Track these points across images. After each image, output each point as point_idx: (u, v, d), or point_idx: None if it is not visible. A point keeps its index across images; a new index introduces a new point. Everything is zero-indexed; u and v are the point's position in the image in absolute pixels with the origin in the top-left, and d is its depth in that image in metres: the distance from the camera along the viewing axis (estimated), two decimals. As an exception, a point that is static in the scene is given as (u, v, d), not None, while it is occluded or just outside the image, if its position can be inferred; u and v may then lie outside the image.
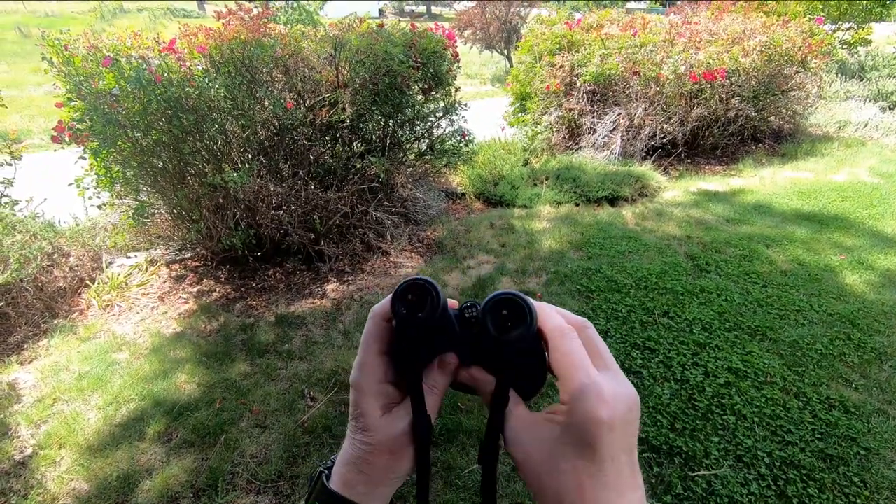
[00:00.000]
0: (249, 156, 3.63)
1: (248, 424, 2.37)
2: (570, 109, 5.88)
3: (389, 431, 0.40)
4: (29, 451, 2.29)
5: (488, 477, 0.42)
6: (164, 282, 3.68)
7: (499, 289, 3.40)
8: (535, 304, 0.37)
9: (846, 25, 9.91)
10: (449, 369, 0.42)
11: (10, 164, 3.37)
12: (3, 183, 3.38)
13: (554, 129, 6.06)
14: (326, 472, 0.43)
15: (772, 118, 6.75)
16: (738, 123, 6.16)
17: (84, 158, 3.06)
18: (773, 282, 3.48)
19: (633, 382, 2.20)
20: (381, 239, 4.03)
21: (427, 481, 0.42)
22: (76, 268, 3.69)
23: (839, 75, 8.48)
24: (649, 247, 3.96)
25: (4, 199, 3.42)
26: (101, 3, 21.04)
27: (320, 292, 3.49)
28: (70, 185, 3.07)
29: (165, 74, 2.96)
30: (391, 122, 4.09)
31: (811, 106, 7.05)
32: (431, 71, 4.03)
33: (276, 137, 3.60)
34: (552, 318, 0.38)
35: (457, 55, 4.17)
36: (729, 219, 4.52)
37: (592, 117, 5.89)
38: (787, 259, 3.80)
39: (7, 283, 3.16)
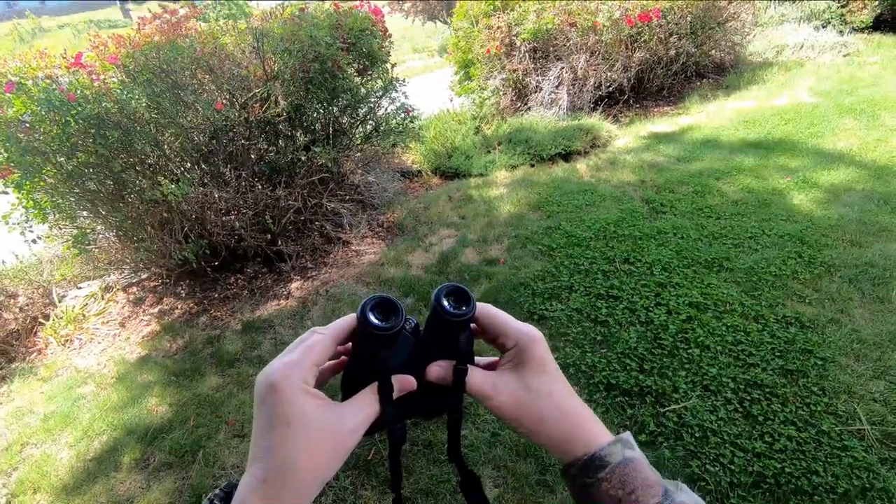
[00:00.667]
0: (188, 164, 3.50)
1: (225, 436, 2.34)
2: (514, 70, 5.82)
3: (336, 425, 0.39)
4: (2, 502, 2.23)
5: (454, 437, 0.50)
6: (123, 307, 3.57)
7: (462, 261, 3.37)
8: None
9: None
10: (406, 387, 0.45)
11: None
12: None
13: (500, 93, 6.01)
14: (223, 496, 0.38)
15: (712, 52, 6.81)
16: (680, 62, 6.20)
17: (6, 193, 2.89)
18: (726, 213, 3.57)
19: (600, 331, 2.25)
20: (339, 229, 3.97)
21: (400, 474, 0.50)
22: (27, 307, 3.54)
23: (772, 0, 8.57)
24: (605, 197, 4.00)
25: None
26: (17, 25, 19.71)
27: (285, 292, 3.44)
28: (-3, 223, 2.92)
29: (79, 92, 2.80)
30: (332, 109, 3.98)
31: (748, 34, 7.13)
32: (364, 50, 3.91)
33: (212, 141, 3.47)
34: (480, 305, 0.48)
35: (386, 31, 4.05)
36: (680, 158, 4.59)
37: (537, 75, 5.84)
38: (737, 189, 3.89)
39: (-48, 334, 3.02)
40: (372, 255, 3.75)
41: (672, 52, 6.05)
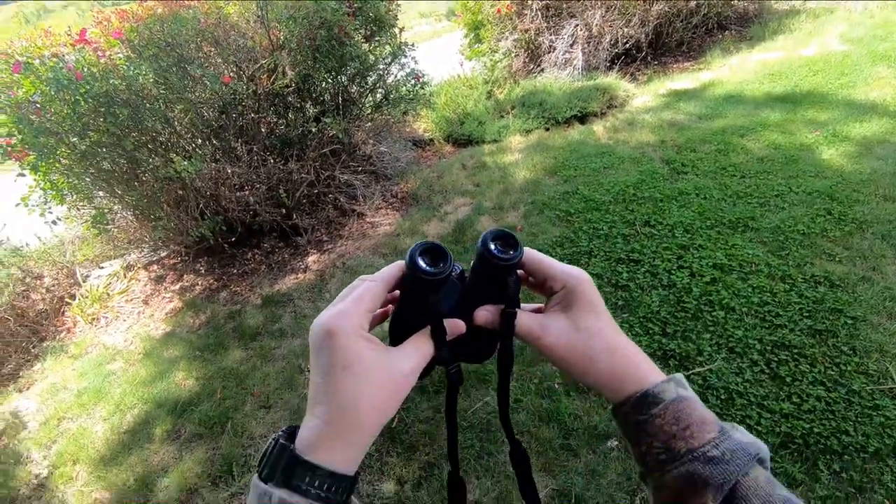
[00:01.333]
0: (199, 141, 3.47)
1: (251, 408, 2.39)
2: (526, 30, 5.61)
3: (392, 367, 0.40)
4: (45, 473, 2.33)
5: (504, 381, 0.51)
6: (145, 285, 3.62)
7: (478, 229, 3.34)
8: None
9: None
10: (456, 330, 0.46)
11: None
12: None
13: (512, 55, 5.81)
14: (286, 436, 0.39)
15: (735, 1, 6.46)
16: (701, 13, 5.91)
17: (24, 175, 2.91)
18: (751, 171, 3.44)
19: (621, 296, 2.21)
20: (353, 201, 3.94)
21: (456, 423, 0.52)
22: (53, 287, 3.62)
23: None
24: (624, 159, 3.89)
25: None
26: (21, 6, 19.57)
27: (302, 266, 3.45)
28: (17, 205, 2.95)
29: (86, 69, 2.76)
30: (340, 78, 3.89)
31: (774, -20, 6.74)
32: (370, 14, 3.78)
33: (221, 116, 3.43)
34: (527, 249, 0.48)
35: (393, -8, 3.91)
36: (701, 115, 4.42)
37: (550, 34, 5.62)
38: (762, 146, 3.74)
39: (-15, 316, 3.11)
40: (387, 226, 3.73)
41: (692, 4, 5.75)
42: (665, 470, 0.39)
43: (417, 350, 0.43)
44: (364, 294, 0.42)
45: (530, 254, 0.46)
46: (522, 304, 0.48)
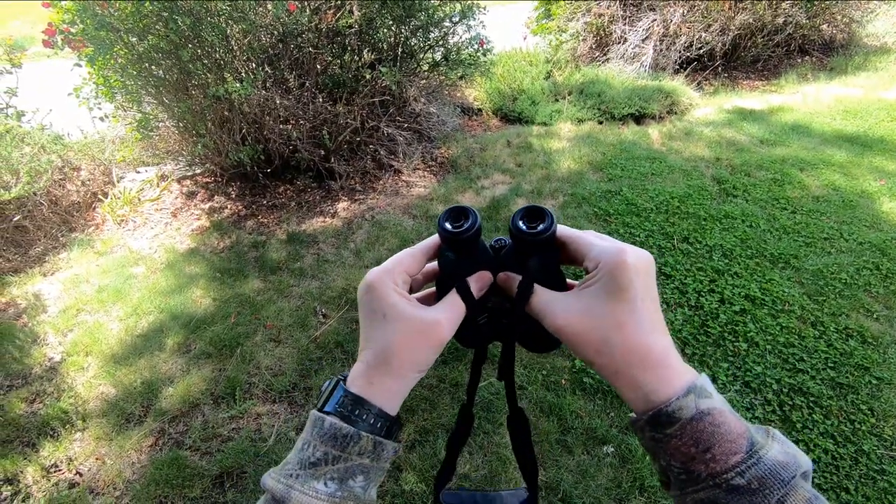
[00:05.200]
0: (253, 65, 3.43)
1: (262, 338, 2.43)
2: (600, 15, 5.37)
3: (424, 316, 0.43)
4: (58, 358, 2.41)
5: (508, 354, 0.52)
6: (176, 197, 3.66)
7: (512, 209, 3.30)
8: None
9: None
10: (484, 282, 0.47)
11: (11, 73, 3.22)
12: (6, 93, 3.26)
13: (580, 38, 5.60)
14: (342, 378, 0.44)
15: (824, 26, 6.10)
16: (786, 32, 5.59)
17: (80, 66, 2.91)
18: (803, 208, 3.31)
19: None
20: (392, 156, 3.89)
21: (479, 368, 0.54)
22: (88, 182, 3.67)
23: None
24: (674, 169, 3.76)
25: (10, 110, 3.33)
26: None
27: (331, 211, 3.44)
28: (69, 94, 2.96)
29: (156, -30, 2.71)
30: (403, 29, 3.78)
31: (872, 12, 6.32)
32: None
33: (280, 44, 3.37)
34: (566, 228, 0.46)
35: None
36: (763, 140, 4.24)
37: (624, 24, 5.38)
38: (820, 184, 3.59)
39: (21, 196, 3.17)
40: (421, 188, 3.69)
41: (779, 20, 5.44)
42: (685, 492, 0.36)
43: (449, 305, 0.45)
44: (403, 257, 0.46)
45: (567, 230, 0.45)
46: (570, 282, 0.47)
